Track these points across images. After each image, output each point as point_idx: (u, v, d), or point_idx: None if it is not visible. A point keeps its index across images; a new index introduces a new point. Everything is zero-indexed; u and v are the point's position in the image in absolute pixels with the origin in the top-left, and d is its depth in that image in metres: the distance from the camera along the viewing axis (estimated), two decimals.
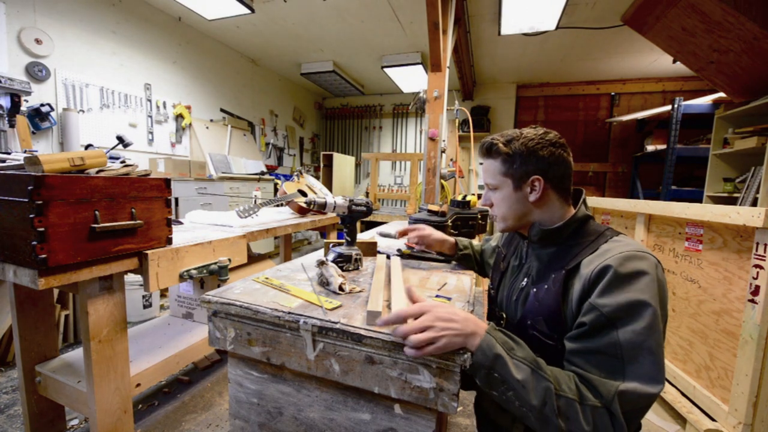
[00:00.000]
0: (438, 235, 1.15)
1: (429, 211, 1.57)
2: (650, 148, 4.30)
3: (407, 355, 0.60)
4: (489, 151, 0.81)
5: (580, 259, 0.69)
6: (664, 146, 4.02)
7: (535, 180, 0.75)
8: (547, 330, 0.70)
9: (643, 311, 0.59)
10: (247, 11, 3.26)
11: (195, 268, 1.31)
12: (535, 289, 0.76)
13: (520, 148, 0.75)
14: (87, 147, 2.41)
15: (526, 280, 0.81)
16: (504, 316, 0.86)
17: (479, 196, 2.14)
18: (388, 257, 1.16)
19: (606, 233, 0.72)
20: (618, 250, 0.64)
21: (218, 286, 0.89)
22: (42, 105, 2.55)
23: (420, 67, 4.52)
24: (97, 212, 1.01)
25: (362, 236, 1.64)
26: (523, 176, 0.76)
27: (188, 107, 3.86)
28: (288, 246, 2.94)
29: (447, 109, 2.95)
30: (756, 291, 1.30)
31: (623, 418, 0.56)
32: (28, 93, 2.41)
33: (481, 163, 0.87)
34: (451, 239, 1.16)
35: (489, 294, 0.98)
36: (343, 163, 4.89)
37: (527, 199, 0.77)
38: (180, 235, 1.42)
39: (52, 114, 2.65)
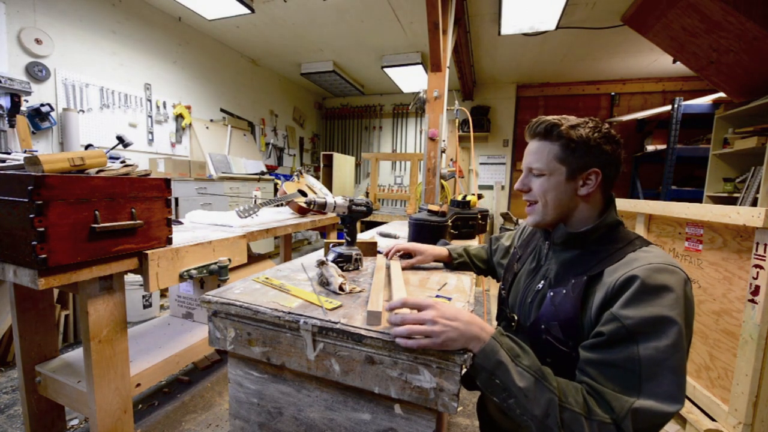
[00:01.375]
0: (430, 251, 1.13)
1: (429, 211, 1.57)
2: (650, 148, 4.30)
3: (400, 345, 0.60)
4: (548, 133, 0.72)
5: (604, 267, 0.66)
6: (664, 146, 4.02)
7: (593, 173, 0.70)
8: (561, 336, 0.67)
9: (669, 328, 0.55)
10: (247, 11, 3.26)
11: (195, 268, 1.31)
12: (552, 293, 0.72)
13: (586, 137, 0.70)
14: (87, 147, 2.41)
15: (542, 282, 0.77)
16: (515, 318, 0.83)
17: (479, 196, 2.14)
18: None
19: (635, 242, 0.68)
20: (646, 261, 0.61)
21: (218, 286, 0.89)
22: (42, 105, 2.54)
23: (420, 67, 4.52)
24: (97, 212, 1.01)
25: (362, 236, 1.64)
26: (581, 167, 0.70)
27: (188, 107, 3.86)
28: (288, 246, 2.94)
29: (447, 109, 2.95)
30: (756, 291, 1.30)
31: None
32: (28, 93, 2.41)
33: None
34: (444, 251, 1.14)
35: (500, 295, 0.96)
36: (343, 163, 4.89)
37: (576, 192, 0.72)
38: (180, 235, 1.42)
39: (52, 114, 2.65)
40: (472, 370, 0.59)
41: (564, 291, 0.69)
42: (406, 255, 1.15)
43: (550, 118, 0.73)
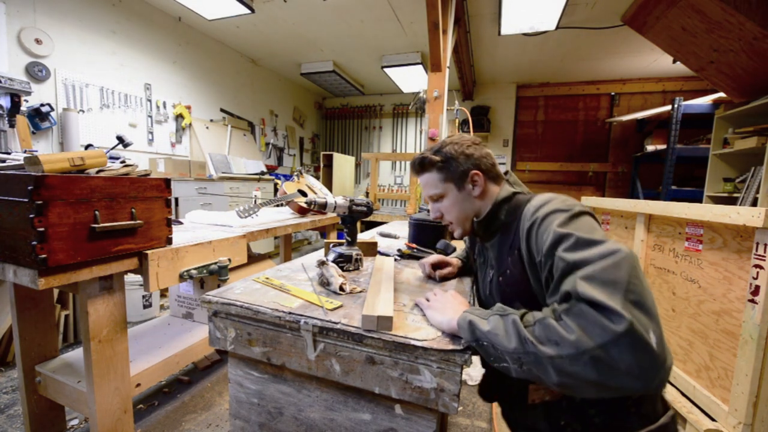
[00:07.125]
0: (456, 264, 1.09)
1: (429, 211, 1.57)
2: (650, 148, 4.30)
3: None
4: (423, 166, 0.86)
5: (520, 231, 0.74)
6: (664, 146, 4.02)
7: (475, 174, 0.81)
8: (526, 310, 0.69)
9: (581, 216, 0.65)
10: (247, 11, 3.26)
11: (195, 268, 1.31)
12: (500, 278, 0.79)
13: (451, 152, 0.82)
14: (87, 147, 2.41)
15: (491, 271, 0.84)
16: None
17: None
18: (396, 259, 1.16)
19: (529, 199, 0.77)
20: (533, 206, 0.71)
21: (218, 286, 0.89)
22: (42, 105, 2.54)
23: (420, 67, 4.52)
24: (97, 212, 1.01)
25: (362, 236, 1.64)
26: (462, 175, 0.82)
27: (188, 107, 3.86)
28: (288, 246, 2.94)
29: (447, 109, 2.95)
30: (756, 291, 1.30)
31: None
32: (28, 93, 2.40)
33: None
34: (457, 261, 1.12)
35: (472, 296, 0.99)
36: (343, 163, 4.89)
37: (471, 195, 0.83)
38: (180, 235, 1.42)
39: (52, 114, 2.65)
40: (471, 350, 0.61)
41: (508, 271, 0.77)
42: (437, 266, 1.09)
43: (419, 154, 0.88)
